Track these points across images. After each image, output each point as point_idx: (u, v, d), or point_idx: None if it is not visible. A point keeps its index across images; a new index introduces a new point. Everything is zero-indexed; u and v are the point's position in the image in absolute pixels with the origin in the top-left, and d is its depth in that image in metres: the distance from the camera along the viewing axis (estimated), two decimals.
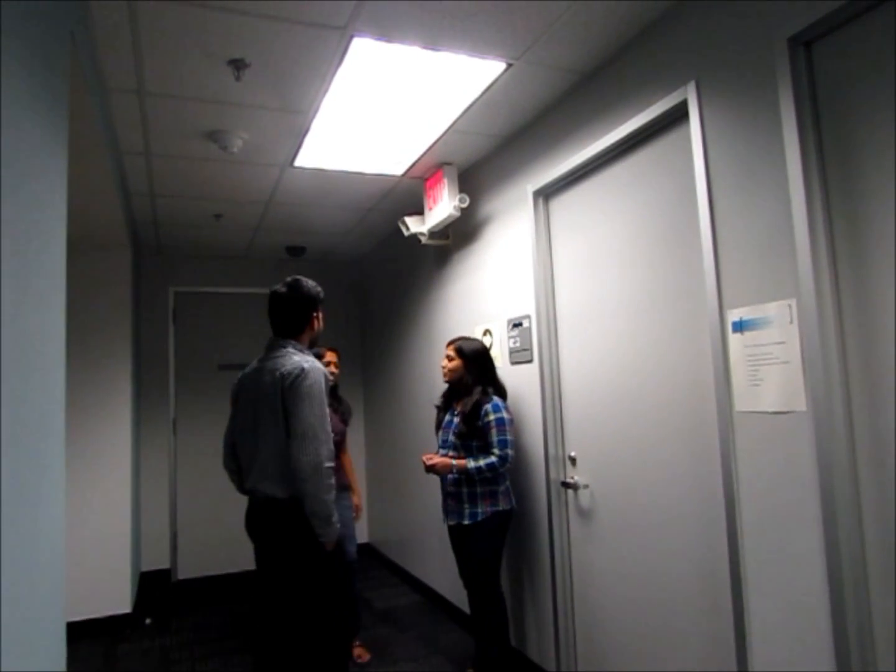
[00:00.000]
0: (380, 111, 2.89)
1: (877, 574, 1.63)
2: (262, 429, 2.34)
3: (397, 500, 4.92)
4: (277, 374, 2.30)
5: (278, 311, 2.48)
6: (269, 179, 3.67)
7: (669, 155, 2.30)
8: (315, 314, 2.51)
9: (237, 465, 2.49)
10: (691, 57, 2.13)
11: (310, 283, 2.52)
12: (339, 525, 2.29)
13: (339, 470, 3.50)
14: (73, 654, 3.64)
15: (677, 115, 2.22)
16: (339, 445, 3.53)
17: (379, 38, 2.32)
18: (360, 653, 3.48)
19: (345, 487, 3.61)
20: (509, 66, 2.51)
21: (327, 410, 2.30)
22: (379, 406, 5.47)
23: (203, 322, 5.39)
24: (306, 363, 2.30)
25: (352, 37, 2.28)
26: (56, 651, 1.61)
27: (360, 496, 3.78)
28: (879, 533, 1.62)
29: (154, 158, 3.31)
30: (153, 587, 4.79)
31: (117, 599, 4.04)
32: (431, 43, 2.36)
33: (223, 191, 3.83)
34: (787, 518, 1.82)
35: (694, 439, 2.19)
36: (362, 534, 5.68)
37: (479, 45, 2.37)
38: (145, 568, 4.94)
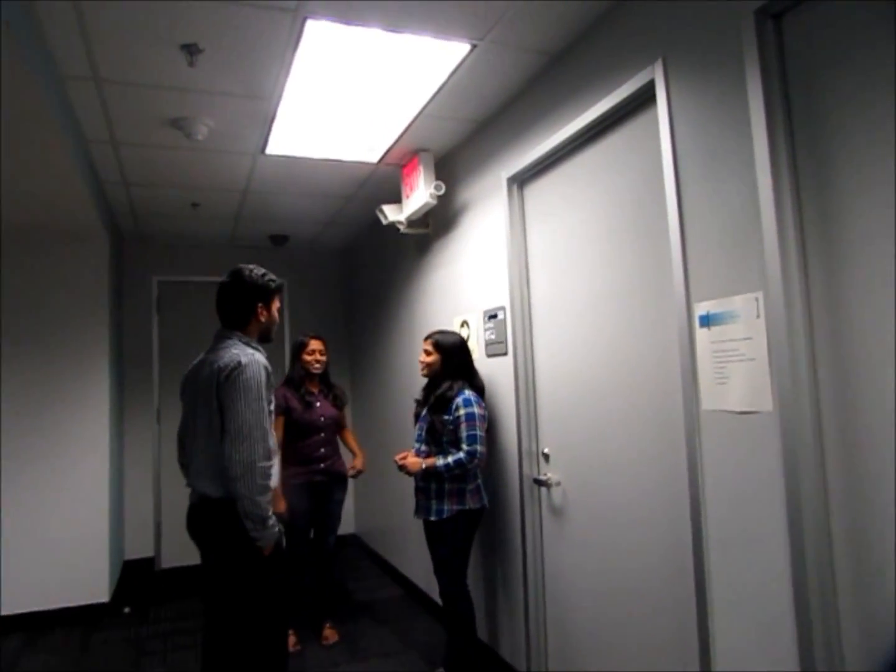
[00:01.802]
0: (348, 96, 2.79)
1: (845, 583, 1.54)
2: (198, 424, 2.23)
3: (382, 492, 4.85)
4: (215, 367, 2.18)
5: (222, 302, 2.36)
6: (241, 168, 3.58)
7: (639, 139, 2.19)
8: (260, 304, 2.34)
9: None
10: (658, 33, 2.02)
11: (256, 273, 2.36)
12: (276, 528, 2.17)
13: (332, 458, 3.60)
14: (48, 642, 3.65)
15: (646, 97, 2.11)
16: (329, 429, 3.63)
17: (336, 20, 2.22)
18: (329, 634, 3.52)
19: (343, 479, 3.67)
20: (474, 46, 2.40)
21: (266, 406, 2.16)
22: (365, 397, 5.40)
23: (187, 311, 5.31)
24: (244, 356, 2.17)
25: (305, 18, 2.18)
26: None
27: (361, 459, 3.78)
28: (848, 542, 1.53)
29: (121, 147, 3.22)
30: (136, 575, 4.77)
31: (94, 588, 4.02)
32: (392, 24, 2.26)
33: (196, 179, 3.74)
34: (751, 524, 1.73)
35: (662, 437, 2.10)
36: (349, 524, 5.64)
37: (440, 25, 2.27)
38: (129, 556, 4.93)
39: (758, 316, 1.70)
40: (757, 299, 1.71)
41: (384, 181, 3.89)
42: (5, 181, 3.01)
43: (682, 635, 2.00)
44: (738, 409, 1.76)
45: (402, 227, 3.73)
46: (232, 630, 2.19)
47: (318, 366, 3.58)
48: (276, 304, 2.43)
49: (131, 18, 2.14)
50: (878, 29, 1.43)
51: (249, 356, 2.18)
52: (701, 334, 1.89)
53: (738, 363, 1.76)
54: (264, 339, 2.41)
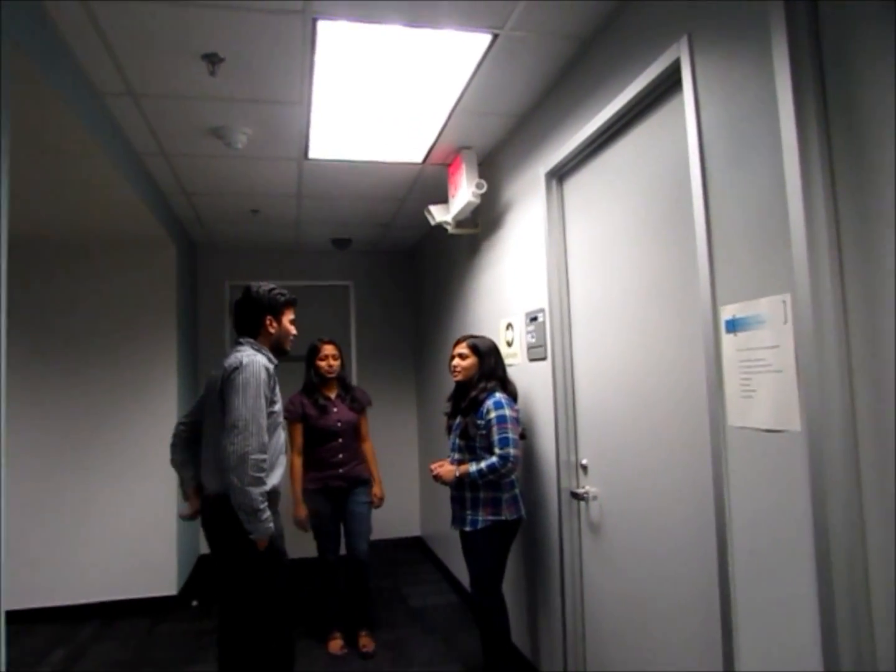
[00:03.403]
0: (379, 97, 2.74)
1: (882, 621, 1.31)
2: (209, 423, 2.40)
3: (442, 494, 4.79)
4: (223, 367, 2.34)
5: (235, 315, 2.53)
6: (289, 173, 3.62)
7: (669, 126, 2.00)
8: (269, 317, 2.48)
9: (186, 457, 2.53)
10: (683, 8, 1.83)
11: (263, 289, 2.49)
12: (270, 523, 2.25)
13: (350, 464, 3.50)
14: (118, 630, 3.85)
15: (674, 80, 1.92)
16: (347, 434, 3.53)
17: (347, 19, 2.16)
18: (365, 643, 3.44)
19: (364, 482, 3.58)
20: (495, 36, 2.28)
21: (263, 403, 2.27)
22: (427, 399, 5.37)
23: None
24: (247, 357, 2.31)
25: (314, 19, 2.14)
26: None
27: (381, 486, 3.70)
28: (889, 577, 1.31)
29: (172, 158, 3.33)
30: (210, 569, 4.95)
31: (163, 581, 4.22)
32: (407, 20, 2.19)
33: (250, 186, 3.82)
34: (777, 555, 1.52)
35: (691, 454, 1.90)
36: (414, 527, 5.63)
37: (455, 16, 2.16)
38: (206, 550, 5.11)
39: (785, 321, 1.49)
40: (784, 302, 1.50)
41: (433, 182, 3.82)
42: (60, 195, 3.20)
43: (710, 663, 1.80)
44: (765, 427, 1.56)
45: (449, 228, 3.64)
46: (234, 624, 2.32)
47: (331, 370, 3.53)
48: (287, 317, 2.54)
49: (148, 31, 2.17)
50: None
51: (251, 357, 2.32)
52: (727, 341, 1.69)
53: (765, 374, 1.55)
54: (280, 352, 2.53)
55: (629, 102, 2.11)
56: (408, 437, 5.76)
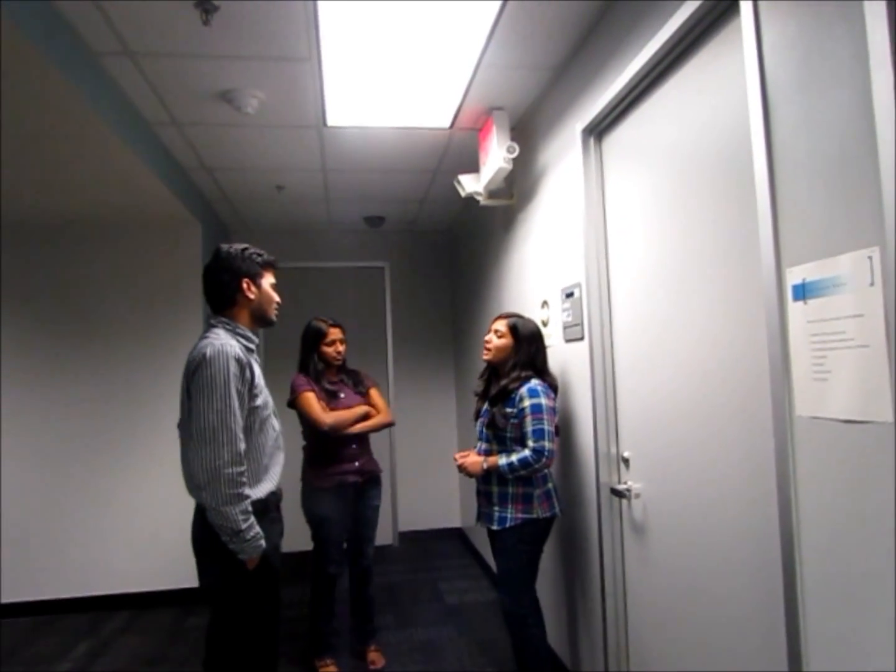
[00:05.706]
0: (394, 49, 2.47)
1: None
2: (182, 423, 2.01)
3: None
4: (188, 359, 1.94)
5: (204, 285, 2.09)
6: (310, 143, 3.39)
7: (722, 59, 1.67)
8: (245, 282, 2.05)
9: None
10: None
11: (235, 249, 2.07)
12: (260, 540, 1.89)
13: (365, 456, 3.17)
14: (145, 622, 3.78)
15: (728, 4, 1.59)
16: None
17: None
18: (375, 658, 3.11)
19: (377, 481, 3.24)
20: None
21: (234, 403, 1.86)
22: (466, 384, 5.10)
23: (288, 297, 5.26)
24: (212, 347, 1.88)
25: None
26: None
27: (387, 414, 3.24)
28: None
29: (185, 128, 3.15)
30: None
31: (193, 573, 4.07)
32: None
33: (271, 159, 3.62)
34: (860, 578, 1.21)
35: (751, 448, 1.59)
36: (453, 517, 5.40)
37: None
38: None
39: (872, 283, 1.17)
40: (871, 258, 1.17)
41: (466, 152, 3.54)
42: (72, 173, 3.08)
43: None
44: (844, 417, 1.24)
45: (481, 199, 3.36)
46: (219, 642, 2.02)
47: (339, 357, 3.16)
48: (268, 280, 2.13)
49: None
50: None
51: (218, 347, 1.89)
52: (795, 310, 1.37)
53: (845, 351, 1.24)
54: (263, 321, 2.13)
55: (674, 35, 1.79)
56: (446, 423, 5.53)
